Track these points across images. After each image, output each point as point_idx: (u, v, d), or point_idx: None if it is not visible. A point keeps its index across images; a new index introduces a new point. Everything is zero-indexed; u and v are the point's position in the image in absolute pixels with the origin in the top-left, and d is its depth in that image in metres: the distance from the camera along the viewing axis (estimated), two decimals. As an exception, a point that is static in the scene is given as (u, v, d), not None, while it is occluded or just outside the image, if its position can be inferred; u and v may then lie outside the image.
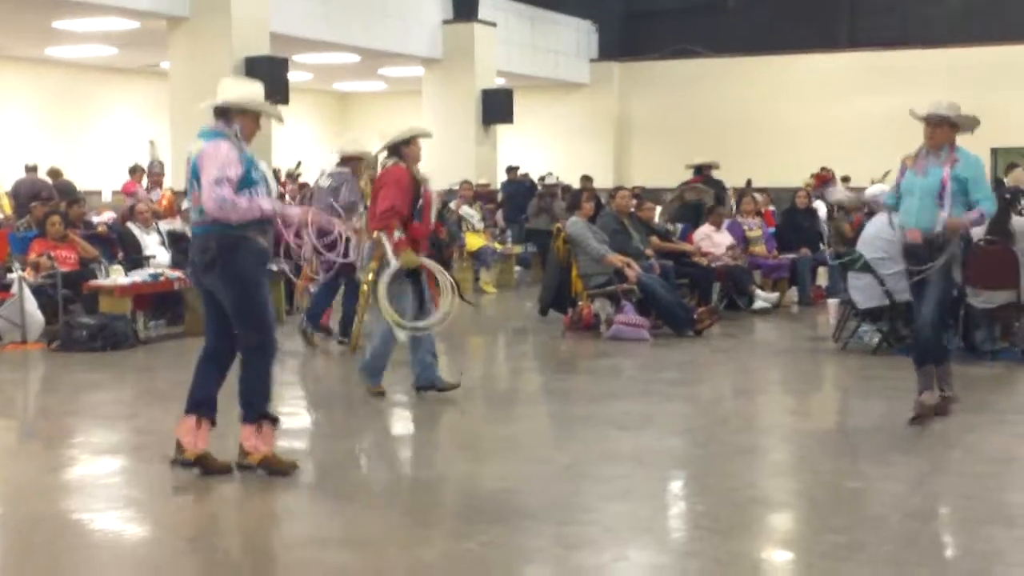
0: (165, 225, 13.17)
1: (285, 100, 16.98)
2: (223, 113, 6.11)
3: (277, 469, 6.15)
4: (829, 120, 24.49)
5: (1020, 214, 10.48)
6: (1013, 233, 9.73)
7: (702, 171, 16.21)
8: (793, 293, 14.09)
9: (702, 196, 14.93)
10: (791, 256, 13.91)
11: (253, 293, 6.09)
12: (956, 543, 5.37)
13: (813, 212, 15.12)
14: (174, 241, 12.65)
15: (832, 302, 11.52)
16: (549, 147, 26.06)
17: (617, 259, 11.26)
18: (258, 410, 6.18)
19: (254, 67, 15.96)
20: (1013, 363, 9.59)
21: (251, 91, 6.25)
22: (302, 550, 5.15)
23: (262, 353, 6.18)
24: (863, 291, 10.13)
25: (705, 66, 25.80)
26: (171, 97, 16.87)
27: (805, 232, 14.32)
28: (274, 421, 6.25)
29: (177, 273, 11.41)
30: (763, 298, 13.22)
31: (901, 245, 7.59)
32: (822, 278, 14.43)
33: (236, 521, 5.76)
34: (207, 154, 5.95)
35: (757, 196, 15.68)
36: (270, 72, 15.65)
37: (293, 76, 17.98)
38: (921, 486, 6.13)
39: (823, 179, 20.26)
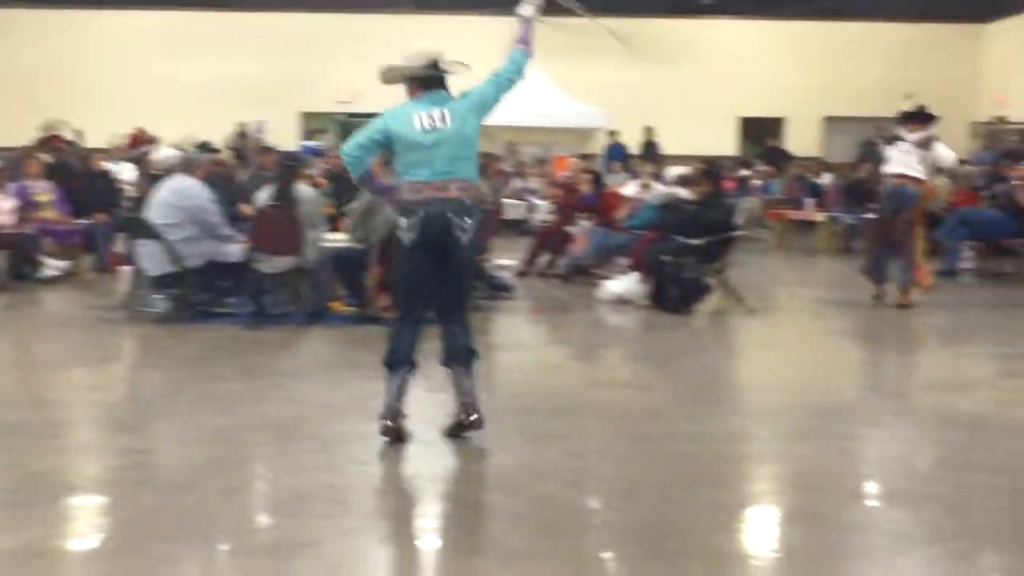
0: None
1: None
2: None
3: None
4: (144, 79, 24.07)
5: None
6: (296, 199, 9.89)
7: None
8: (90, 260, 13.44)
9: None
10: (86, 221, 13.25)
11: None
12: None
13: (107, 174, 14.53)
14: None
15: (125, 269, 11.09)
16: None
17: None
18: None
19: None
20: (299, 326, 9.77)
21: None
22: None
23: None
24: (152, 258, 9.82)
25: (19, 16, 24.16)
26: None
27: (103, 195, 13.72)
28: None
29: None
30: (53, 266, 12.47)
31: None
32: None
33: None
34: None
35: (44, 156, 14.80)
36: None
37: None
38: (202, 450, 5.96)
39: (137, 139, 19.95)
